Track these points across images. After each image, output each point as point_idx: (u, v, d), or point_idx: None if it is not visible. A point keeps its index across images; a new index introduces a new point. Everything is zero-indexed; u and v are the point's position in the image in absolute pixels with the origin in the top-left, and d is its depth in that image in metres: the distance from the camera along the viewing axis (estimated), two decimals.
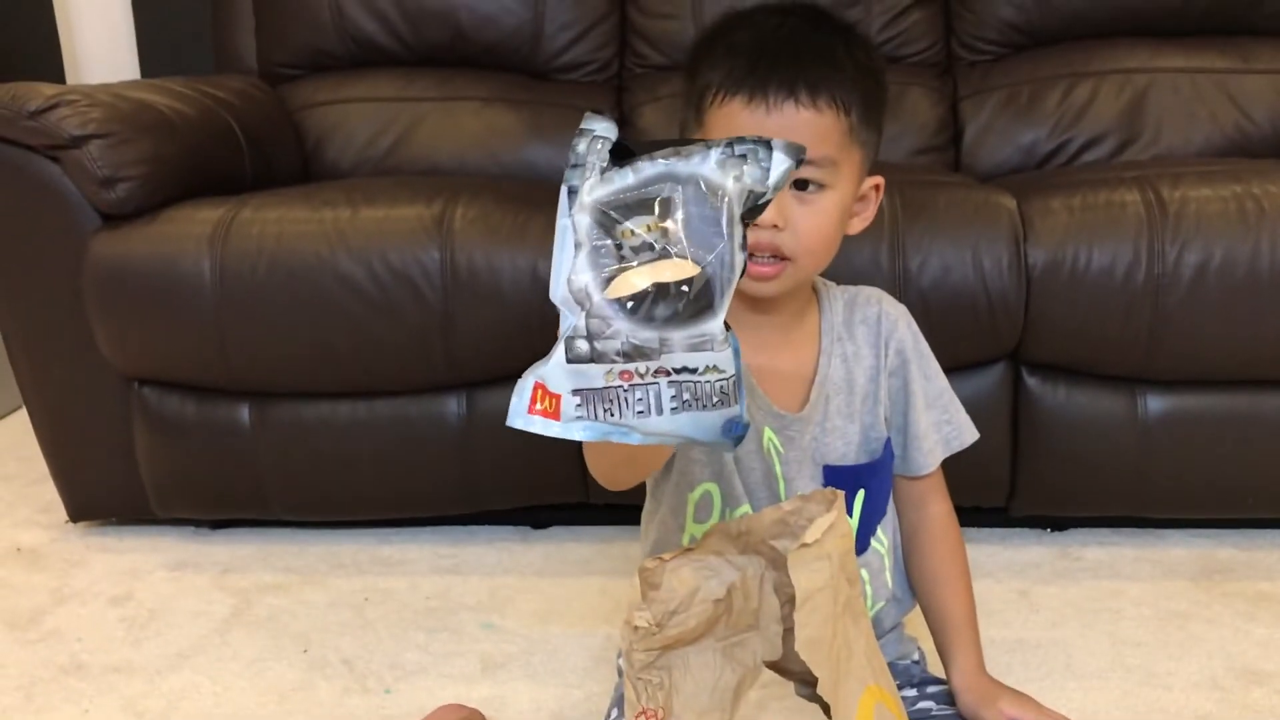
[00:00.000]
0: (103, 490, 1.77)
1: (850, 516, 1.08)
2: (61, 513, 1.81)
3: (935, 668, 1.18)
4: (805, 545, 0.87)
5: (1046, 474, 1.61)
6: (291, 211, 1.60)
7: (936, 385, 1.11)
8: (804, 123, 0.92)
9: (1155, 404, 1.55)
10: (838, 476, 1.06)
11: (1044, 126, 2.01)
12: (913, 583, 1.15)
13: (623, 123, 2.15)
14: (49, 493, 1.84)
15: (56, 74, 2.62)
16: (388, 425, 1.64)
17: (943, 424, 1.11)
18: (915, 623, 1.22)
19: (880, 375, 1.08)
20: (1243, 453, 1.56)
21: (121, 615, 1.55)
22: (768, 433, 1.04)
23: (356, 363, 1.58)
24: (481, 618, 1.51)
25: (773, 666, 0.94)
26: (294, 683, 1.38)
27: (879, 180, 1.02)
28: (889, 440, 1.09)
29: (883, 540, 1.11)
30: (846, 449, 1.07)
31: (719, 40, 0.98)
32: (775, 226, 0.93)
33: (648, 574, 0.97)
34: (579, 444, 1.04)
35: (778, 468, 1.05)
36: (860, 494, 1.08)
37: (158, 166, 1.64)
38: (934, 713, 1.09)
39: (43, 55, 2.60)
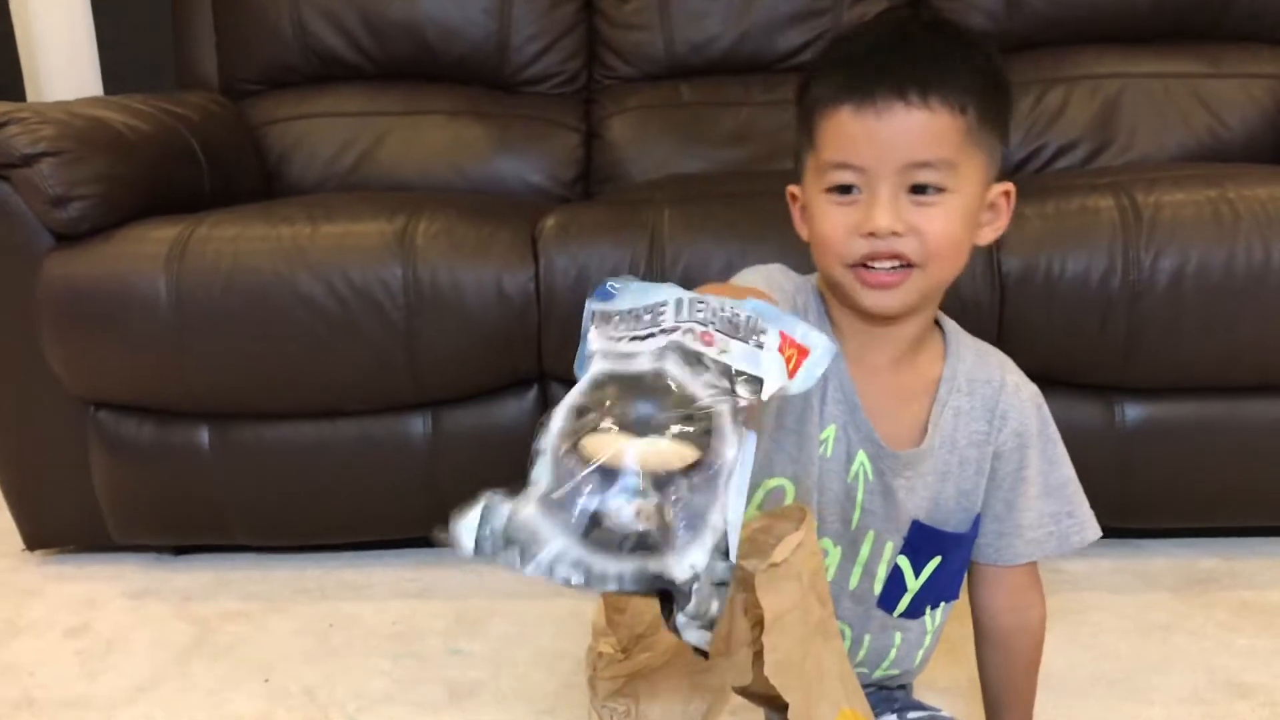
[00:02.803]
0: (59, 517, 1.72)
1: (916, 578, 1.03)
2: (17, 541, 1.76)
3: (919, 693, 1.15)
4: (773, 565, 0.84)
5: None
6: (249, 229, 1.56)
7: (1061, 474, 1.03)
8: (917, 125, 0.87)
9: (1133, 412, 1.53)
10: (923, 534, 1.01)
11: (1016, 133, 1.99)
12: (982, 670, 1.10)
13: (591, 134, 2.13)
14: (3, 520, 1.79)
15: (17, 93, 2.58)
16: (351, 446, 1.60)
17: (1062, 516, 1.03)
18: None
19: (987, 447, 1.00)
20: (1223, 460, 1.53)
21: (78, 647, 1.50)
22: (862, 456, 0.99)
23: (318, 383, 1.55)
24: (448, 642, 1.47)
25: (742, 692, 0.91)
26: (254, 714, 1.33)
27: (1009, 187, 0.96)
28: (979, 518, 1.03)
29: (935, 619, 1.07)
30: (933, 506, 1.01)
31: (828, 55, 0.94)
32: (895, 233, 0.88)
33: (610, 598, 0.94)
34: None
35: (860, 495, 1.00)
36: (936, 560, 1.02)
37: (112, 185, 1.60)
38: None
39: (2, 74, 2.55)
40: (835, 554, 1.02)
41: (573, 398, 0.64)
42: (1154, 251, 1.43)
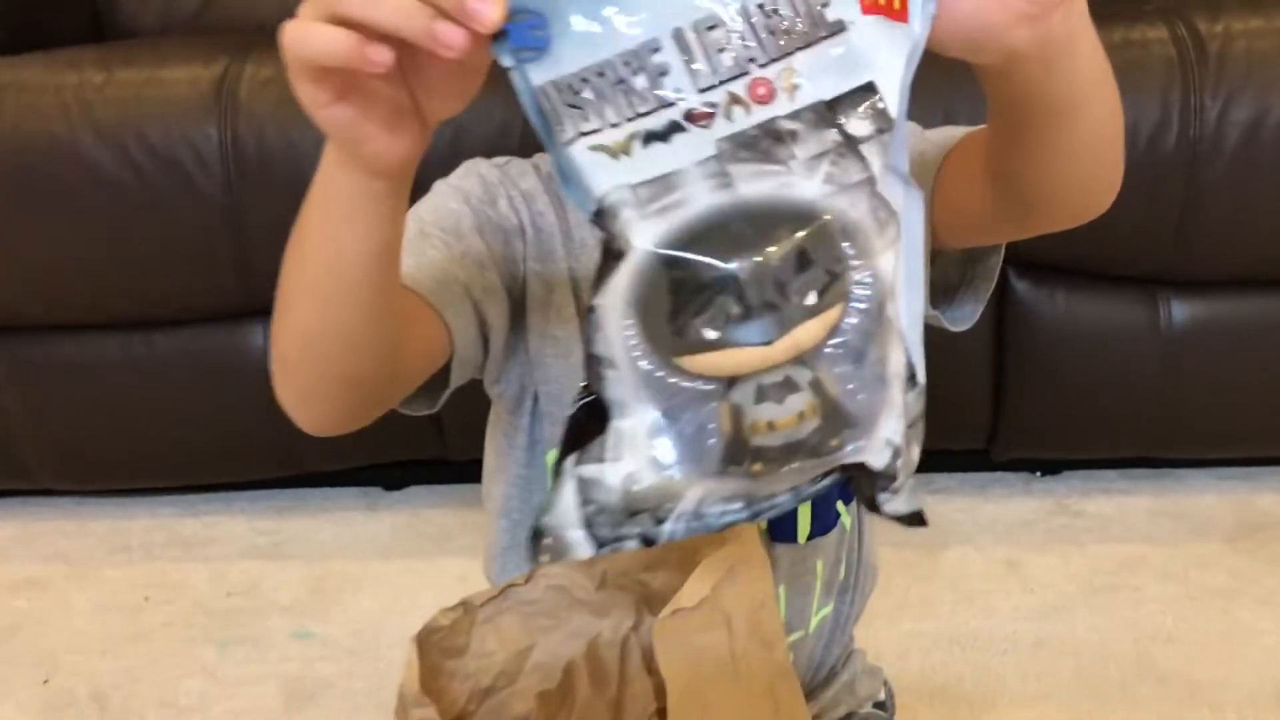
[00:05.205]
0: None
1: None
2: None
3: (905, 711, 0.83)
4: (679, 610, 0.49)
5: (1039, 406, 1.26)
6: (22, 77, 1.19)
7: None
8: None
9: (1182, 312, 1.21)
10: None
11: None
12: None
13: None
14: None
15: None
16: (173, 364, 1.26)
17: None
18: (876, 647, 0.85)
19: None
20: None
21: None
22: None
23: (119, 282, 1.20)
24: (295, 622, 1.14)
25: None
26: None
27: None
28: None
29: (849, 512, 0.76)
30: None
31: None
32: None
33: (440, 636, 0.60)
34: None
35: None
36: None
37: None
38: None
39: None
40: None
41: (626, 293, 0.41)
42: (1222, 99, 1.12)
